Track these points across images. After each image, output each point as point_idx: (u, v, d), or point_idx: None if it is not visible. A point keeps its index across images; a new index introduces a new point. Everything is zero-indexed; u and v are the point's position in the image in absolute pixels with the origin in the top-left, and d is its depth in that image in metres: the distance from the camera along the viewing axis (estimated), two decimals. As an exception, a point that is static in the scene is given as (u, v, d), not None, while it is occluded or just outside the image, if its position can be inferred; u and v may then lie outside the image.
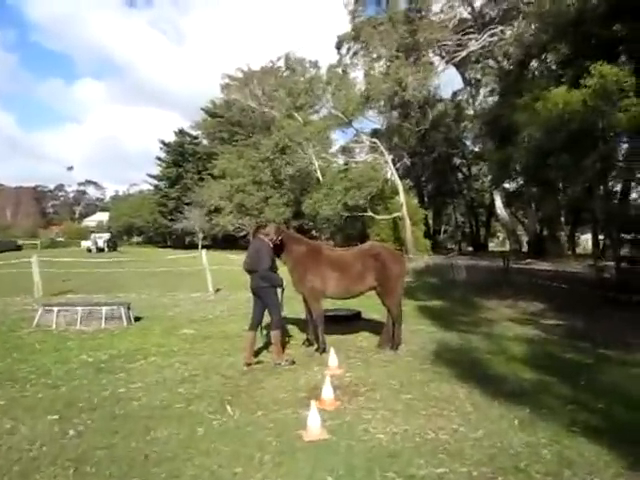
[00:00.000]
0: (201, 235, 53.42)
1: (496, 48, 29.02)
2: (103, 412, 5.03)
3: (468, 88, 38.52)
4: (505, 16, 28.14)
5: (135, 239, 78.84)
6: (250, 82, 44.56)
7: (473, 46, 29.12)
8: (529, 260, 26.96)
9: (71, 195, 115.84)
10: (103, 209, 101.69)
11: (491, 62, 32.83)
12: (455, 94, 43.71)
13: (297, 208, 44.01)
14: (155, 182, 66.58)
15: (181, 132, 62.62)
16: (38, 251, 40.37)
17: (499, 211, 35.12)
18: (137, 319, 10.09)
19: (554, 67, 13.07)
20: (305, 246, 7.60)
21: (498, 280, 15.58)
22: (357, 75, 36.53)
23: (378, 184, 34.21)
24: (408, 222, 32.15)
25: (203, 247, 25.73)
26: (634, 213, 11.95)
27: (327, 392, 5.22)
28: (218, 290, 15.69)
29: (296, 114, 37.10)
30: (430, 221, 49.86)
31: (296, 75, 40.96)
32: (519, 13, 24.43)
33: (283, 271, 7.32)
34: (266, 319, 7.03)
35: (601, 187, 11.71)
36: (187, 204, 54.41)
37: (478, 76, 37.10)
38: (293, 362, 6.78)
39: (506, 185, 33.51)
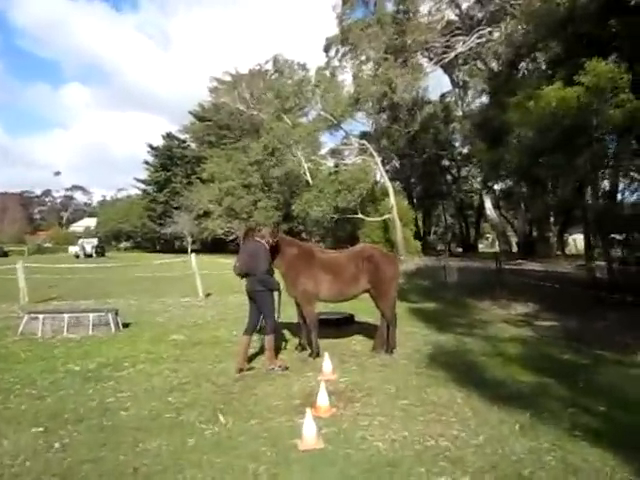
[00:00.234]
0: (190, 239, 53.10)
1: (484, 50, 29.07)
2: (90, 423, 4.84)
3: (456, 90, 38.63)
4: (493, 18, 28.18)
5: (123, 244, 78.13)
6: (238, 85, 44.35)
7: (461, 48, 29.16)
8: (519, 260, 26.99)
9: (58, 201, 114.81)
10: (91, 214, 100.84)
11: (479, 64, 32.91)
12: (443, 96, 43.85)
13: (286, 211, 43.85)
14: (143, 186, 66.15)
15: (169, 136, 62.27)
16: (25, 257, 39.83)
17: (489, 212, 35.21)
18: (125, 325, 9.87)
19: (544, 67, 13.06)
20: (297, 249, 7.45)
21: (490, 281, 15.50)
22: (345, 78, 36.51)
23: (368, 186, 34.14)
24: (398, 224, 32.09)
25: (192, 251, 25.50)
26: (626, 213, 11.92)
27: (322, 399, 5.07)
28: (208, 295, 15.48)
29: (285, 117, 36.93)
30: (420, 223, 49.93)
31: (284, 78, 40.79)
32: (506, 15, 24.47)
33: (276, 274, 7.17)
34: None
35: (593, 186, 11.69)
36: (176, 208, 54.05)
37: (466, 78, 37.17)
38: (286, 368, 6.62)
39: (495, 186, 33.69)
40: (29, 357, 7.48)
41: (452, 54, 29.20)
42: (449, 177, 52.13)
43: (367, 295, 7.80)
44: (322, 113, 35.69)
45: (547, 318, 11.19)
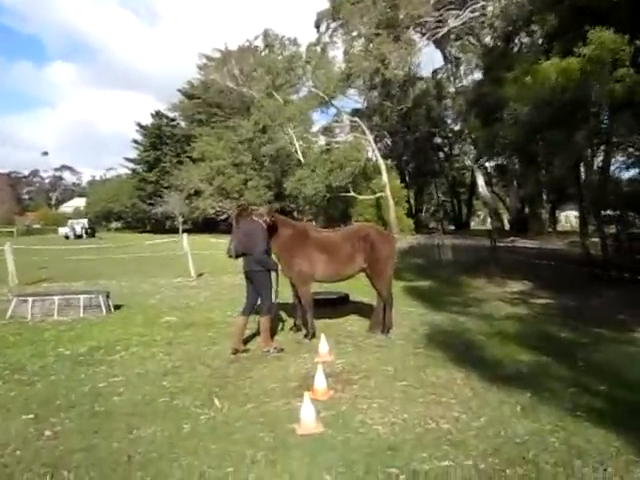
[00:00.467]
0: (181, 219, 52.68)
1: (477, 25, 28.63)
2: (82, 410, 4.71)
3: (449, 66, 38.19)
4: (486, -9, 27.66)
5: (114, 224, 77.47)
6: (228, 62, 43.58)
7: (454, 22, 28.67)
8: (512, 238, 27.00)
9: (47, 181, 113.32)
10: (80, 195, 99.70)
11: (472, 39, 32.45)
12: (435, 72, 43.33)
13: (278, 190, 43.57)
14: (132, 166, 65.21)
15: (158, 114, 61.22)
16: (14, 239, 39.40)
17: (481, 189, 35.09)
18: (117, 307, 9.71)
19: (541, 41, 12.79)
20: (291, 228, 7.28)
21: (484, 259, 15.48)
22: (336, 54, 35.91)
23: (360, 164, 33.90)
24: (391, 202, 31.98)
25: (184, 231, 25.24)
26: (622, 190, 11.83)
27: (319, 381, 4.96)
28: (200, 275, 15.33)
29: (276, 94, 36.41)
30: (412, 201, 49.82)
31: (275, 53, 40.15)
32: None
33: (270, 255, 7.02)
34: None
35: (588, 163, 11.57)
36: (166, 188, 53.40)
37: (459, 54, 36.71)
38: (282, 349, 6.52)
39: (488, 163, 33.57)
40: (18, 341, 7.31)
41: (445, 29, 28.72)
42: (441, 154, 51.98)
43: (362, 274, 7.69)
44: (313, 90, 35.22)
45: (542, 296, 11.16)
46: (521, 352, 6.42)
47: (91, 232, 52.69)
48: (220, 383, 5.35)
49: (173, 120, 61.62)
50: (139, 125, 61.50)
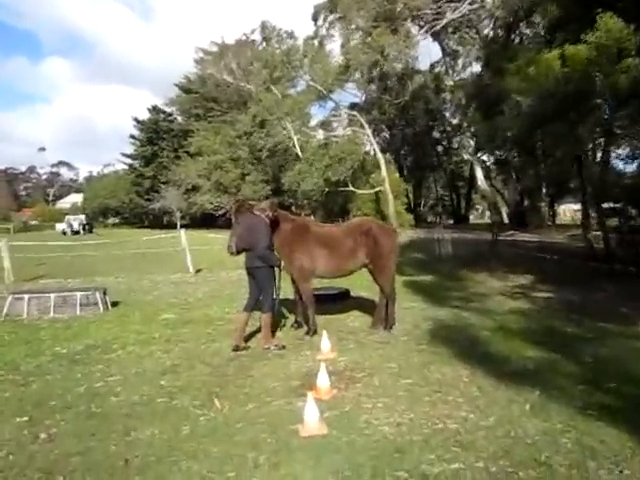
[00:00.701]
0: (179, 214, 52.47)
1: (475, 17, 28.36)
2: (78, 411, 4.57)
3: (447, 59, 37.89)
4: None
5: (111, 220, 77.18)
6: (225, 56, 43.23)
7: (452, 15, 28.39)
8: (511, 232, 26.93)
9: (44, 177, 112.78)
10: (77, 191, 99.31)
11: (471, 32, 32.16)
12: (433, 65, 43.05)
13: (276, 185, 43.40)
14: (130, 161, 65.00)
15: (155, 109, 60.89)
16: (11, 235, 39.18)
17: (480, 183, 34.84)
18: (114, 304, 9.57)
19: (543, 32, 12.60)
20: (291, 223, 7.12)
21: (485, 253, 15.35)
22: (334, 47, 35.72)
23: (359, 157, 33.71)
24: (390, 196, 31.81)
25: (181, 226, 25.03)
26: (626, 183, 11.68)
27: (322, 380, 4.82)
28: (199, 271, 15.18)
29: (273, 87, 36.15)
30: (410, 195, 49.66)
31: (272, 47, 39.85)
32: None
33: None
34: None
35: (592, 155, 11.43)
36: (164, 183, 53.19)
37: (458, 47, 36.43)
38: (283, 347, 6.38)
39: (484, 158, 33.37)
40: (13, 340, 7.18)
41: (443, 21, 28.42)
42: (440, 148, 51.77)
43: (362, 269, 7.54)
44: (311, 83, 34.98)
45: (545, 290, 11.03)
46: (526, 348, 6.29)
47: (88, 228, 52.47)
48: (220, 382, 5.22)
49: (170, 115, 61.31)
50: (136, 120, 61.22)
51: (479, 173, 33.19)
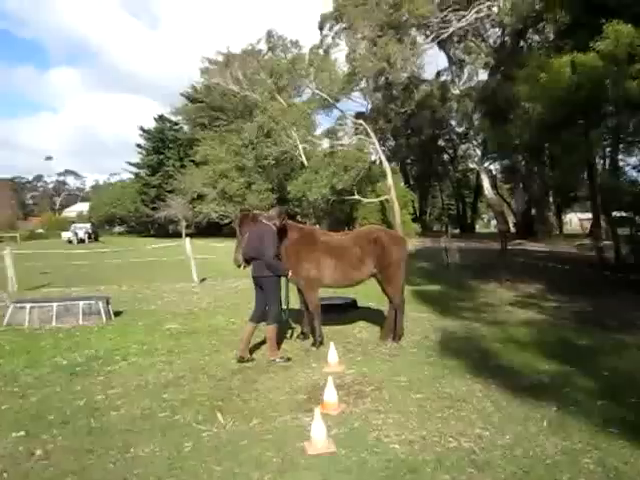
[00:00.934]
0: (184, 223, 52.40)
1: (482, 25, 28.30)
2: (76, 426, 4.41)
3: (453, 67, 37.82)
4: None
5: (117, 229, 77.26)
6: (231, 65, 43.22)
7: (459, 23, 28.33)
8: (519, 241, 26.68)
9: (50, 186, 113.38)
10: (84, 199, 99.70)
11: (477, 40, 32.09)
12: (439, 74, 43.01)
13: (281, 194, 43.30)
14: (136, 170, 65.11)
15: (161, 118, 61.10)
16: (18, 244, 39.24)
17: (486, 192, 34.62)
18: (117, 314, 9.41)
19: (552, 37, 12.46)
20: (299, 232, 6.96)
21: (493, 262, 15.12)
22: (340, 56, 35.65)
23: (365, 166, 33.61)
24: (397, 205, 31.63)
25: (187, 235, 24.92)
26: (638, 191, 11.45)
27: (330, 394, 4.63)
28: (203, 280, 15.03)
29: (279, 96, 36.16)
30: (416, 204, 49.47)
31: (278, 55, 39.90)
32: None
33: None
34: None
35: (604, 163, 11.25)
36: (169, 192, 53.16)
37: (464, 56, 36.34)
38: (289, 359, 6.20)
39: (492, 166, 33.20)
40: (14, 350, 7.02)
41: (450, 30, 28.38)
42: (446, 157, 51.61)
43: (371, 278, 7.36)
44: (317, 92, 34.97)
45: (556, 300, 10.80)
46: (540, 360, 6.08)
47: (94, 236, 52.45)
48: (224, 396, 5.04)
49: (176, 124, 61.46)
50: (142, 129, 61.39)
51: (485, 182, 32.98)
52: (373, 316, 8.76)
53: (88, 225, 55.73)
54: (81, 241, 48.18)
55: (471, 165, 46.00)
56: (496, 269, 14.38)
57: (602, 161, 13.12)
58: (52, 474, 3.58)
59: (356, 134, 36.27)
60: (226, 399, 4.95)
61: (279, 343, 6.69)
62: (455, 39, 32.54)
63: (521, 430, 4.11)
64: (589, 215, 31.97)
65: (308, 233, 7.16)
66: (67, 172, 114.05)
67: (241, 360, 6.14)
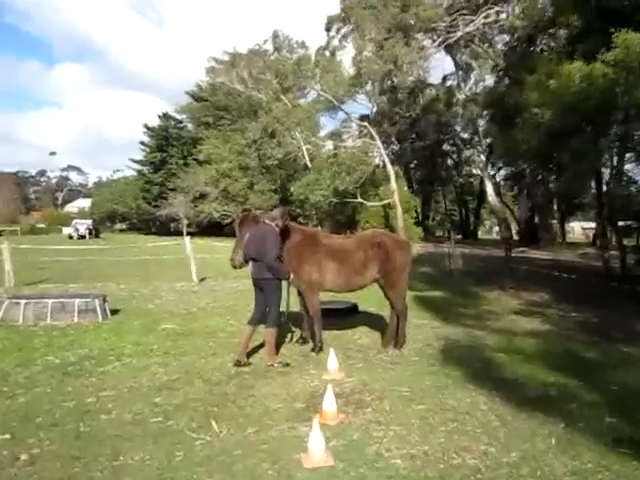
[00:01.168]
0: (186, 222, 52.25)
1: (490, 31, 28.15)
2: (65, 429, 4.24)
3: (460, 72, 37.66)
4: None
5: (118, 226, 77.22)
6: (237, 65, 43.11)
7: (466, 28, 28.18)
8: (522, 248, 26.49)
9: (53, 181, 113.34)
10: (86, 195, 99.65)
11: (484, 46, 31.93)
12: (445, 79, 42.85)
13: (284, 195, 43.17)
14: (139, 167, 64.99)
15: (165, 116, 61.00)
16: (17, 238, 39.10)
17: (490, 198, 34.44)
18: (114, 312, 9.24)
19: (564, 42, 12.30)
20: (301, 234, 6.78)
21: (496, 269, 14.93)
22: (346, 58, 35.53)
23: (369, 169, 33.46)
24: (400, 209, 31.43)
25: (188, 234, 24.75)
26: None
27: (329, 403, 4.45)
28: (203, 279, 14.86)
29: (284, 97, 36.03)
30: (419, 208, 49.29)
31: (284, 56, 39.78)
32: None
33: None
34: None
35: (612, 171, 11.07)
36: (172, 190, 53.00)
37: (471, 61, 36.20)
38: (287, 364, 6.02)
39: (498, 171, 32.98)
40: (6, 347, 6.85)
41: (457, 34, 28.23)
42: (450, 162, 51.44)
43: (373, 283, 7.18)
44: (322, 93, 34.84)
45: (561, 309, 10.60)
46: (546, 372, 5.89)
47: (95, 233, 52.35)
48: (219, 401, 4.87)
49: (180, 122, 61.38)
50: (146, 126, 61.32)
51: (489, 188, 32.82)
52: (374, 321, 8.59)
53: (89, 221, 55.73)
54: (82, 237, 48.12)
55: (475, 171, 45.86)
56: (500, 276, 14.20)
57: (609, 170, 12.89)
58: (36, 482, 3.41)
59: (360, 137, 36.14)
60: (221, 405, 4.78)
61: (278, 347, 6.52)
62: (462, 43, 32.38)
63: (528, 447, 3.93)
64: (592, 224, 31.85)
65: (310, 235, 6.99)
66: (70, 168, 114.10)
67: (238, 364, 5.97)
